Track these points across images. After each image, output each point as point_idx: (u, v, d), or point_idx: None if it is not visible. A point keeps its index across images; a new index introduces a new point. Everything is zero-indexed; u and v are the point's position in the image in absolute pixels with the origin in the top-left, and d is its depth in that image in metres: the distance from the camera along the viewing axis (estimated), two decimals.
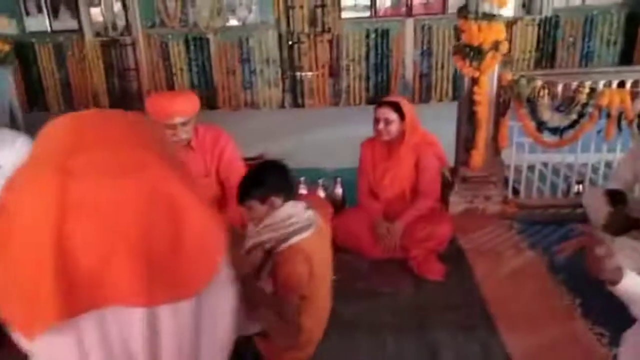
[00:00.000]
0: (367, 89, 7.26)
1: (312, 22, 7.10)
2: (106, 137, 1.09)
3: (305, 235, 1.66)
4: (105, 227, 1.00)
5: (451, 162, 3.32)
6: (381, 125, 2.64)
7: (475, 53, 2.81)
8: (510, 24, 6.82)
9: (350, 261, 2.72)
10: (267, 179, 1.74)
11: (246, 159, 3.11)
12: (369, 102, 7.07)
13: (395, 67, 7.08)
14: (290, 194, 1.78)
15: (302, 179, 3.03)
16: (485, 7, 2.74)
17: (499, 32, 2.79)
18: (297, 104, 7.41)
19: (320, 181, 3.05)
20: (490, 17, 2.75)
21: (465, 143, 3.10)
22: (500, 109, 3.01)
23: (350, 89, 7.25)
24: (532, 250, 2.81)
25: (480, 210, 3.17)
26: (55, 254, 0.96)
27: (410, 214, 2.71)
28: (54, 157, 1.02)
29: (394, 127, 2.64)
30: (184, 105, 2.33)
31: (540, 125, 2.96)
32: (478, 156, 3.04)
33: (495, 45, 2.79)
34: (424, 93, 7.15)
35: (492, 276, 2.59)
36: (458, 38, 2.94)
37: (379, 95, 7.21)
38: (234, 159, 2.61)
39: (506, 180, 3.31)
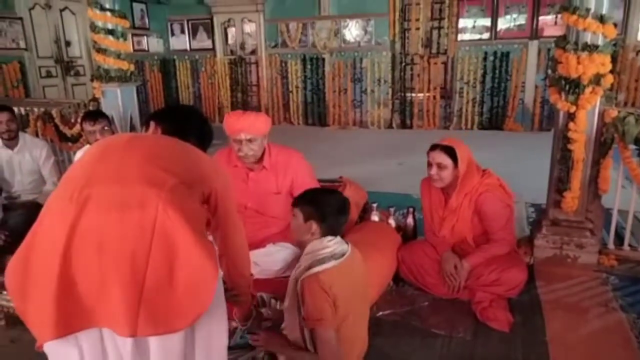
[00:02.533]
0: (481, 114, 6.93)
1: (427, 44, 7.02)
2: (120, 171, 1.22)
3: (327, 265, 1.65)
4: (104, 257, 1.12)
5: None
6: (433, 171, 2.47)
7: (572, 86, 2.55)
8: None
9: (410, 296, 2.63)
10: (322, 205, 1.72)
11: (324, 181, 3.18)
12: (482, 127, 6.75)
13: (514, 92, 6.67)
14: (335, 231, 1.75)
15: (374, 205, 3.01)
16: (587, 38, 2.48)
17: (602, 64, 2.49)
18: (405, 125, 7.34)
19: (392, 209, 2.98)
20: (592, 48, 2.48)
21: (557, 183, 2.81)
22: (602, 149, 2.67)
23: (463, 112, 6.99)
24: (625, 312, 2.44)
25: (570, 258, 2.84)
26: (60, 274, 1.10)
27: (481, 255, 2.52)
28: (77, 186, 1.18)
29: (447, 174, 2.45)
30: (249, 124, 2.51)
31: None
32: (571, 199, 2.73)
33: (597, 79, 2.50)
34: (544, 121, 6.61)
35: (566, 336, 2.30)
36: (554, 69, 2.69)
37: (492, 120, 6.85)
38: (308, 179, 2.70)
39: (608, 228, 2.93)
